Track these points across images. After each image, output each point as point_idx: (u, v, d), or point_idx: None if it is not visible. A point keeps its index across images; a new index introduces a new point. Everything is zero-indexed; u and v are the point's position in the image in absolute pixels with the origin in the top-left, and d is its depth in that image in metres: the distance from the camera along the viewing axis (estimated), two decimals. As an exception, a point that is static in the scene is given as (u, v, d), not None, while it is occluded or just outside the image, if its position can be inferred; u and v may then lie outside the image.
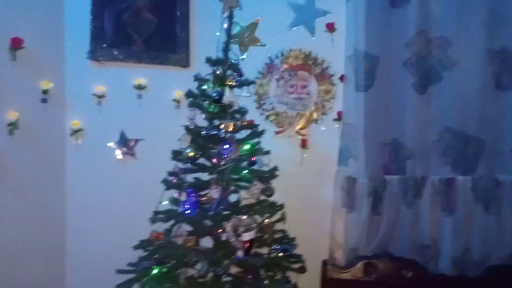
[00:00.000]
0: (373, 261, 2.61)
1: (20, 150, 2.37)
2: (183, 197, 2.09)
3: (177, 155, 2.17)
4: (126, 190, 2.65)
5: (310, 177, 2.78)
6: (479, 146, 2.56)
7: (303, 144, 2.80)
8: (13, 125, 2.32)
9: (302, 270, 2.21)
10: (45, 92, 2.47)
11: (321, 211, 2.75)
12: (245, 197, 2.13)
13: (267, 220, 2.18)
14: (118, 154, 2.66)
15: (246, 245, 1.99)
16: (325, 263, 2.68)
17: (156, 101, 2.71)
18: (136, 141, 2.68)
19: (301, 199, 2.67)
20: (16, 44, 2.32)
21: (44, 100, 2.48)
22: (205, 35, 2.65)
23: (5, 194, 2.32)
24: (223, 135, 2.15)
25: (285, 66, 2.79)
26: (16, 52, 2.32)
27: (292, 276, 2.21)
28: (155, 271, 2.01)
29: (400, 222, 2.64)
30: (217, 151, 2.15)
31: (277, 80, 2.80)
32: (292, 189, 2.54)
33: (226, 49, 2.20)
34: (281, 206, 2.23)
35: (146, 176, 2.56)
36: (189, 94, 2.22)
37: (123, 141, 2.67)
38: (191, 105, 2.22)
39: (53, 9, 2.51)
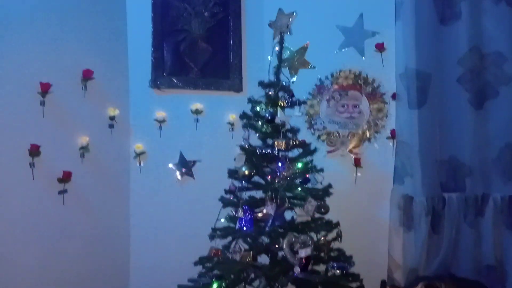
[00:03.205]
0: (434, 282, 2.51)
1: (89, 171, 2.58)
2: (240, 214, 2.16)
3: (232, 173, 2.26)
4: (186, 208, 2.77)
5: (365, 196, 2.76)
6: (542, 162, 2.45)
7: (356, 163, 2.80)
8: (84, 149, 2.54)
9: (360, 289, 2.18)
10: (111, 118, 2.68)
11: (378, 230, 2.71)
12: (300, 214, 2.16)
13: (323, 238, 2.20)
14: (178, 174, 2.80)
15: (303, 262, 2.01)
16: (383, 284, 2.61)
17: (212, 124, 2.85)
18: (194, 162, 2.81)
19: (357, 218, 2.64)
20: (87, 75, 2.56)
21: (111, 126, 2.68)
22: (256, 61, 2.78)
23: (76, 212, 2.54)
24: (276, 154, 2.22)
25: (335, 86, 2.84)
26: (86, 83, 2.56)
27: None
28: (214, 286, 2.08)
29: (461, 241, 2.54)
30: (271, 169, 2.22)
31: (327, 100, 2.85)
32: (347, 208, 2.53)
33: (277, 72, 2.30)
34: (337, 224, 2.24)
35: (204, 195, 2.67)
36: (243, 115, 2.33)
37: (182, 162, 2.81)
38: (245, 126, 2.32)
39: (118, 43, 2.74)
